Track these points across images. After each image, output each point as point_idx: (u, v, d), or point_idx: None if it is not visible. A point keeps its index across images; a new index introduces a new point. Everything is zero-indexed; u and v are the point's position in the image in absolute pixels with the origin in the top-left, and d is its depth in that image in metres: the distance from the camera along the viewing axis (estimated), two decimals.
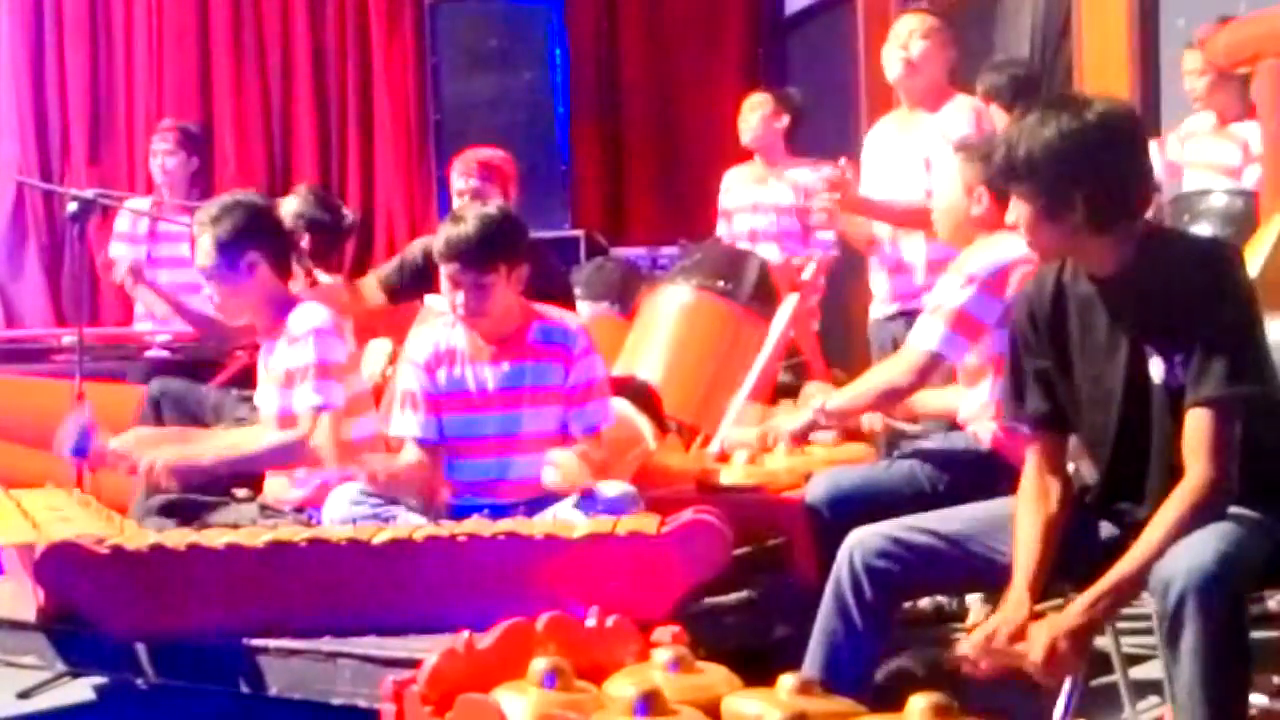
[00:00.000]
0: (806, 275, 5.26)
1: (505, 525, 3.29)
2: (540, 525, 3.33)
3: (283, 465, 3.96)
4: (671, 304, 5.15)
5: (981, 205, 3.65)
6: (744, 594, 3.67)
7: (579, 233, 7.48)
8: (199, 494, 3.91)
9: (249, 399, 4.32)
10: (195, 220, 4.09)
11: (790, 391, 4.93)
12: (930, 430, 4.04)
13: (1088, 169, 2.68)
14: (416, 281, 4.73)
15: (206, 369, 5.12)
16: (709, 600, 3.50)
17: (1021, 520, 2.79)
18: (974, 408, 3.66)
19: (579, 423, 3.77)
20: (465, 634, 2.57)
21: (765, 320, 5.09)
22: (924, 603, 4.16)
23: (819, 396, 3.85)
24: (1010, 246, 3.46)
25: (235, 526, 3.56)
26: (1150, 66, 5.92)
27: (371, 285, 4.95)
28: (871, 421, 4.11)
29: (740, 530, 3.42)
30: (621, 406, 4.17)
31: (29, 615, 3.49)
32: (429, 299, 4.73)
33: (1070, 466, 2.94)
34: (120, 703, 4.06)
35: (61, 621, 3.43)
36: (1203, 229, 4.64)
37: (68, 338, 5.41)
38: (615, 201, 8.45)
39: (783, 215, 6.14)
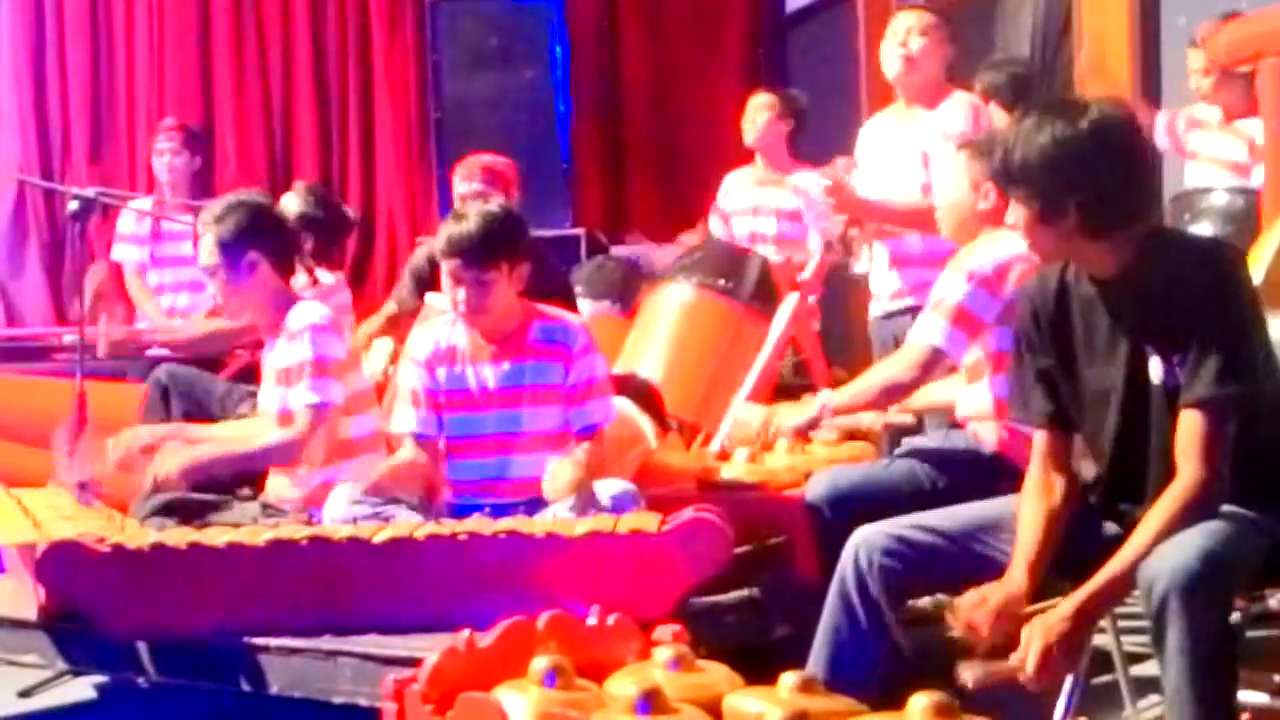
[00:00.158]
0: (807, 274, 5.26)
1: (506, 524, 3.29)
2: (541, 524, 3.33)
3: (282, 463, 3.96)
4: (672, 302, 5.15)
5: (989, 201, 3.65)
6: (744, 592, 3.67)
7: (579, 231, 7.48)
8: (201, 493, 3.92)
9: (254, 394, 4.33)
10: (199, 219, 4.10)
11: (790, 391, 4.93)
12: (933, 427, 4.04)
13: (1080, 177, 2.68)
14: (429, 287, 4.79)
15: (208, 367, 5.12)
16: (710, 598, 3.49)
17: (1024, 510, 2.80)
18: (973, 405, 3.66)
19: (579, 421, 3.77)
20: (466, 633, 2.58)
21: (766, 319, 5.09)
22: (923, 601, 4.16)
23: (822, 393, 3.86)
24: (1011, 244, 3.46)
25: (236, 525, 3.56)
26: (1151, 65, 5.92)
27: (392, 309, 5.05)
28: (871, 421, 4.12)
29: (741, 529, 3.42)
30: (623, 405, 4.17)
31: (30, 614, 3.49)
32: (430, 297, 4.75)
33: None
34: (121, 701, 4.06)
35: (63, 620, 3.43)
36: (1204, 228, 4.65)
37: (68, 336, 5.42)
38: (616, 200, 8.45)
39: (783, 219, 6.14)
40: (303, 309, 3.97)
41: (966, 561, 2.91)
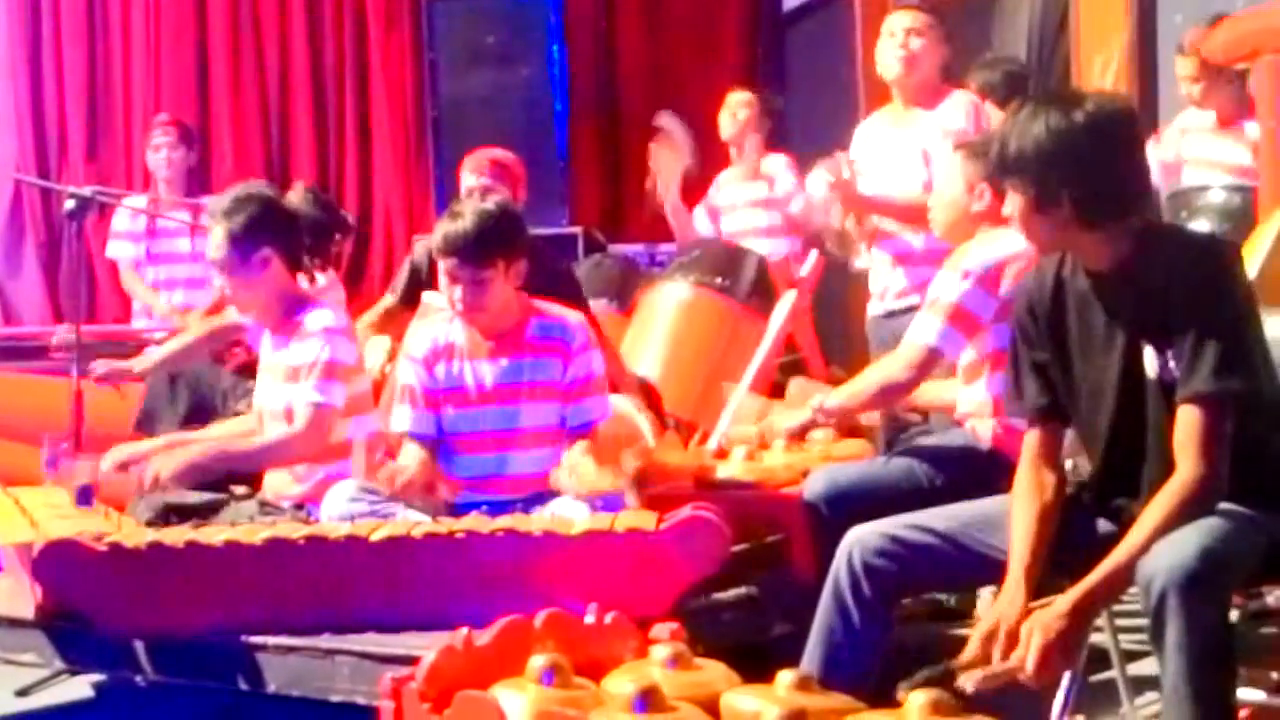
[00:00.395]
0: (804, 272, 5.26)
1: (504, 522, 3.29)
2: (539, 522, 3.32)
3: (279, 462, 3.96)
4: (670, 301, 5.15)
5: (984, 201, 3.66)
6: (742, 590, 3.67)
7: (577, 229, 7.48)
8: (198, 492, 3.91)
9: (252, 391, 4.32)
10: (208, 211, 4.08)
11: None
12: (935, 426, 4.04)
13: (1074, 169, 2.68)
14: (428, 284, 4.78)
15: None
16: (707, 597, 3.50)
17: (1016, 513, 2.80)
18: (971, 404, 3.67)
19: (576, 418, 3.77)
20: (464, 631, 2.58)
21: (763, 317, 5.09)
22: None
23: (817, 395, 3.85)
24: (1007, 242, 3.47)
25: (234, 524, 3.56)
26: (1148, 63, 5.91)
27: (390, 302, 5.03)
28: (869, 419, 4.11)
29: (738, 527, 3.42)
30: (621, 403, 4.17)
31: (27, 613, 3.49)
32: (427, 295, 4.75)
33: (1068, 464, 2.94)
34: (118, 700, 4.05)
35: (60, 619, 3.43)
36: (1201, 225, 4.64)
37: (66, 335, 5.41)
38: (613, 198, 8.44)
39: (759, 209, 6.25)
40: (319, 312, 3.96)
41: (961, 560, 2.90)
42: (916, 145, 4.77)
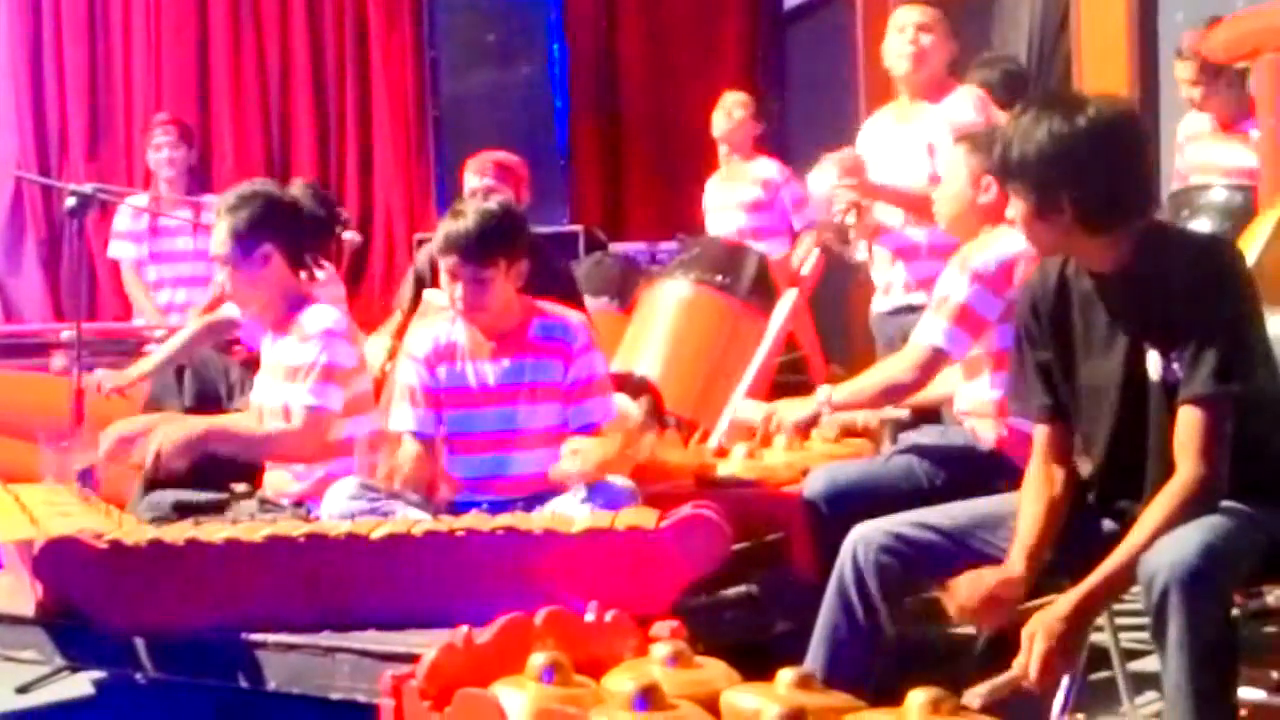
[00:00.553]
0: (805, 270, 5.26)
1: (504, 520, 3.29)
2: (539, 520, 3.32)
3: (276, 457, 3.96)
4: (670, 299, 5.14)
5: (989, 195, 3.65)
6: (742, 589, 3.66)
7: (578, 228, 7.49)
8: (197, 490, 3.91)
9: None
10: (213, 207, 4.08)
11: (788, 388, 4.92)
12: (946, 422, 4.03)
13: (1075, 174, 2.68)
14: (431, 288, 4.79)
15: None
16: (708, 595, 3.50)
17: (1025, 501, 2.80)
18: (971, 402, 3.66)
19: (578, 419, 3.77)
20: (464, 629, 2.58)
21: (764, 315, 5.09)
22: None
23: (825, 387, 3.85)
24: (1014, 241, 3.46)
25: (234, 522, 3.56)
26: (1149, 61, 5.91)
27: (398, 320, 5.05)
28: (868, 418, 4.11)
29: (739, 525, 3.42)
30: (622, 402, 4.17)
31: (28, 610, 3.49)
32: (428, 294, 4.75)
33: None
34: (119, 697, 4.05)
35: (60, 616, 3.43)
36: (1202, 224, 4.64)
37: (66, 333, 5.41)
38: (614, 197, 8.45)
39: (748, 211, 6.32)
40: (319, 311, 3.95)
41: (965, 559, 2.90)
42: (922, 139, 4.76)
